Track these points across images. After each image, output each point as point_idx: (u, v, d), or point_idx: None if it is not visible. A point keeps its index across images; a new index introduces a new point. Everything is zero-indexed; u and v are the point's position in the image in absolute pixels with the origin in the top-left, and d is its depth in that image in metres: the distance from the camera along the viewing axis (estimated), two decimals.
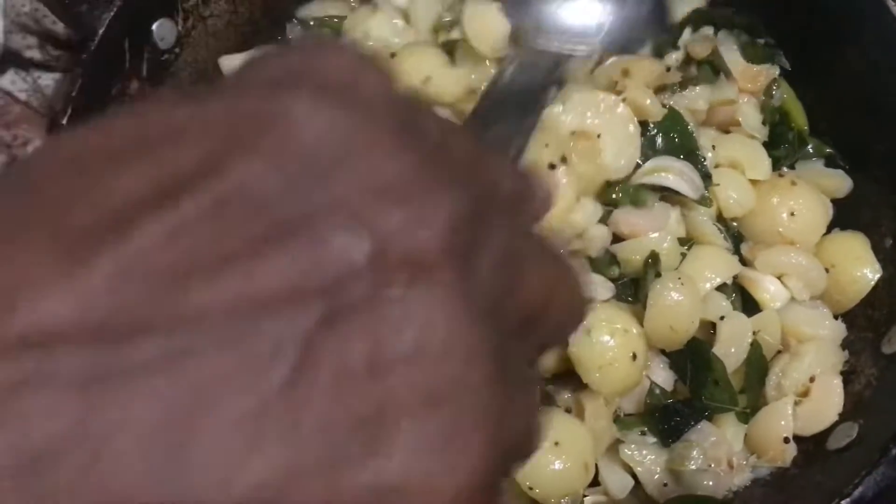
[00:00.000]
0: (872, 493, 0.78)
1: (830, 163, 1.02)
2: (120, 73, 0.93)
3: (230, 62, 1.03)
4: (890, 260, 0.94)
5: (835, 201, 0.99)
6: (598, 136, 0.81)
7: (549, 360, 0.82)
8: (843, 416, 0.87)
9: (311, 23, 1.06)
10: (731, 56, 0.98)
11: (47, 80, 1.24)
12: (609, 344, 0.80)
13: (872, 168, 0.98)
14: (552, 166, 0.78)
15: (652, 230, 0.82)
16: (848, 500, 0.77)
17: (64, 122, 0.86)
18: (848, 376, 0.90)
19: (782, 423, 0.86)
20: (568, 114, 0.80)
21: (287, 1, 1.08)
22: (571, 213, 0.79)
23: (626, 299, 0.83)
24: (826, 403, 0.87)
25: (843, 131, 1.01)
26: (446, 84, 0.87)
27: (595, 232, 0.81)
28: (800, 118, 1.02)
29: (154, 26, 0.97)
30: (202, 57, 1.03)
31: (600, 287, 0.80)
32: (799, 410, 0.87)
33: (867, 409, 0.86)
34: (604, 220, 0.83)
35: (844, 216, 0.99)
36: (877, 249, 0.95)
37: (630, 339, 0.80)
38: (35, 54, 1.21)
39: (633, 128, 0.84)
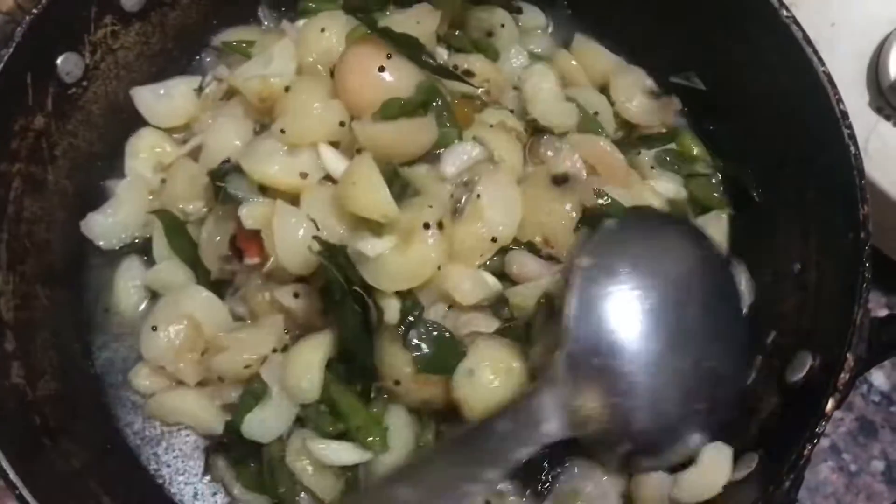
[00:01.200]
0: None
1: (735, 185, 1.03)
2: (23, 109, 0.92)
3: (142, 94, 1.03)
4: (799, 285, 0.93)
5: (745, 226, 1.00)
6: (478, 196, 0.80)
7: (436, 399, 0.82)
8: (746, 446, 0.87)
9: (223, 47, 1.06)
10: None
11: None
12: (493, 384, 0.79)
13: (783, 191, 0.97)
14: (427, 226, 0.77)
15: (546, 274, 0.81)
16: None
17: None
18: (755, 405, 0.90)
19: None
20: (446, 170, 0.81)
21: (199, 30, 1.08)
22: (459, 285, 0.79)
23: (516, 339, 0.82)
24: (714, 473, 0.85)
25: (755, 154, 1.01)
26: (332, 116, 0.87)
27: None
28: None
29: (58, 60, 0.95)
30: (113, 89, 1.02)
31: (484, 319, 0.80)
32: (684, 477, 0.84)
33: (768, 439, 0.86)
34: (497, 268, 0.83)
35: (755, 241, 0.99)
36: (786, 274, 0.95)
37: (513, 376, 0.80)
38: None
39: (514, 191, 0.83)
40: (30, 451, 0.81)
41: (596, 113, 0.98)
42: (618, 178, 0.90)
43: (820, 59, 0.89)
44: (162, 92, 1.04)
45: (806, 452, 0.78)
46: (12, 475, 0.75)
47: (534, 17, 1.09)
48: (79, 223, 0.98)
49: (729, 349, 0.86)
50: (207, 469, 0.91)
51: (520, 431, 0.74)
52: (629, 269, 0.79)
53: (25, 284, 0.91)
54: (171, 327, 0.91)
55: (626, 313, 0.78)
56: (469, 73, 0.95)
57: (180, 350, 0.91)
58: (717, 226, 0.99)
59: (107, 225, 0.98)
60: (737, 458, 0.86)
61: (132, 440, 0.94)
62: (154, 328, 0.91)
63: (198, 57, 1.09)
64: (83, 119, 1.00)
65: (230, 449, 0.88)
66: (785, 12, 0.91)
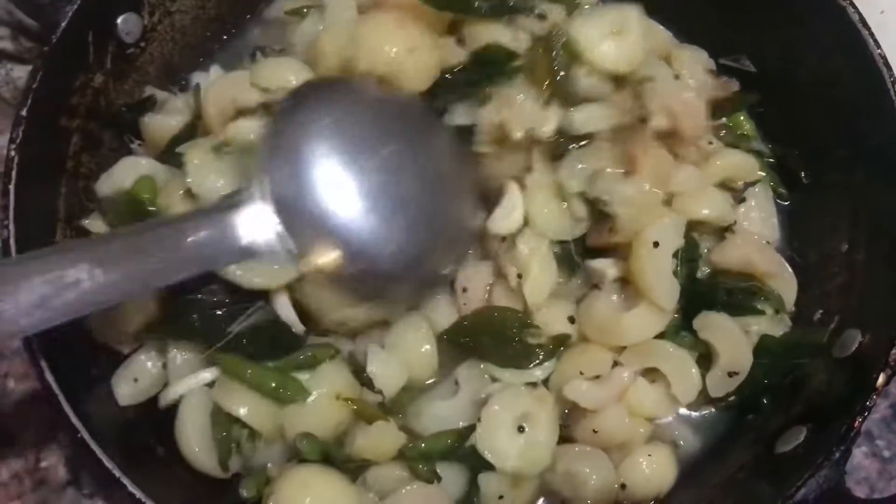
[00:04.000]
0: (814, 496, 0.78)
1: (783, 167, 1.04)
2: (83, 67, 0.93)
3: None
4: (847, 265, 0.94)
5: (794, 207, 1.01)
6: None
7: None
8: (793, 420, 0.88)
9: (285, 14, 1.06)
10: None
11: (20, 72, 1.24)
12: None
13: (831, 174, 0.98)
14: None
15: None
16: (791, 502, 0.78)
17: (24, 113, 0.86)
18: (800, 380, 0.91)
19: None
20: None
21: None
22: None
23: None
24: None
25: (804, 137, 1.02)
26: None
27: None
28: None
29: (119, 20, 0.96)
30: (168, 51, 1.03)
31: None
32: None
33: (816, 413, 0.86)
34: None
35: (802, 222, 1.00)
36: (833, 255, 0.96)
37: None
38: (7, 45, 1.22)
39: None
40: (87, 395, 0.82)
41: None
42: (697, 127, 0.92)
43: (876, 41, 0.90)
44: None
45: (856, 425, 0.79)
46: (73, 417, 0.76)
47: None
48: None
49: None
50: None
51: (216, 241, 0.74)
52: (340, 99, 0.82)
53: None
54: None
55: (335, 140, 0.79)
56: (542, 17, 0.95)
57: None
58: (764, 196, 1.01)
59: None
60: (784, 432, 0.87)
61: None
62: (136, 380, 0.88)
63: (250, 25, 1.10)
64: (139, 79, 1.01)
65: None
66: None
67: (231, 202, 0.79)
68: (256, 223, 0.77)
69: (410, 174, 0.84)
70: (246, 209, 0.77)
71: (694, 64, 1.02)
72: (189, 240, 0.74)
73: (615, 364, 0.89)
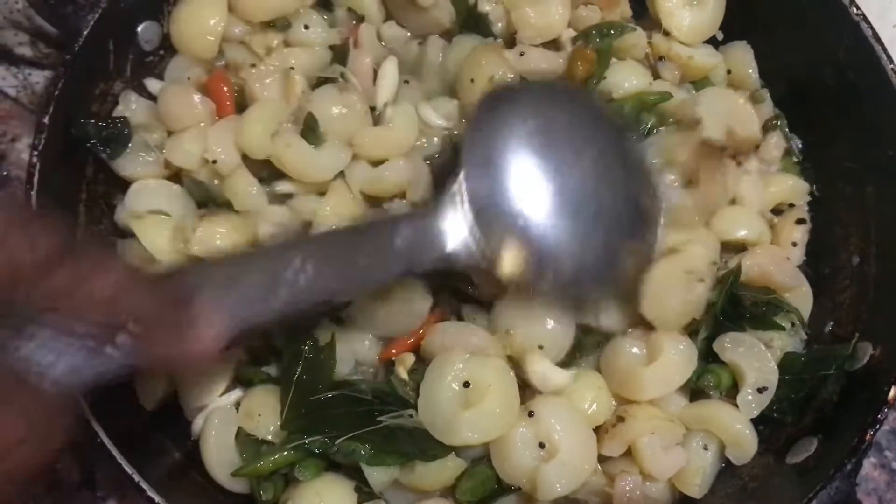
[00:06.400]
0: None
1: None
2: (104, 74, 0.94)
3: None
4: (858, 278, 0.95)
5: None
6: None
7: None
8: (804, 431, 0.88)
9: None
10: None
11: (38, 77, 1.26)
12: None
13: (842, 186, 0.99)
14: None
15: None
16: None
17: (46, 120, 0.87)
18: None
19: None
20: None
21: None
22: None
23: None
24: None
25: (815, 149, 1.03)
26: None
27: None
28: None
29: (139, 28, 0.98)
30: None
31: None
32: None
33: (827, 425, 0.87)
34: None
35: (813, 234, 1.00)
36: (844, 267, 0.96)
37: None
38: (26, 51, 1.24)
39: None
40: (104, 397, 0.82)
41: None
42: (750, 138, 0.95)
43: (889, 56, 0.91)
44: None
45: (868, 437, 0.79)
46: (93, 422, 0.77)
47: None
48: None
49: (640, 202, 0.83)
50: None
51: (420, 244, 0.73)
52: (533, 103, 0.79)
53: (100, 245, 0.93)
54: None
55: (529, 146, 0.76)
56: None
57: None
58: None
59: None
60: (795, 443, 0.88)
61: None
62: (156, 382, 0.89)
63: None
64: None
65: None
66: (855, 10, 0.93)
67: (435, 206, 0.77)
68: (457, 226, 0.75)
69: (606, 183, 0.80)
70: (450, 213, 0.75)
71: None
72: (397, 241, 0.73)
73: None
